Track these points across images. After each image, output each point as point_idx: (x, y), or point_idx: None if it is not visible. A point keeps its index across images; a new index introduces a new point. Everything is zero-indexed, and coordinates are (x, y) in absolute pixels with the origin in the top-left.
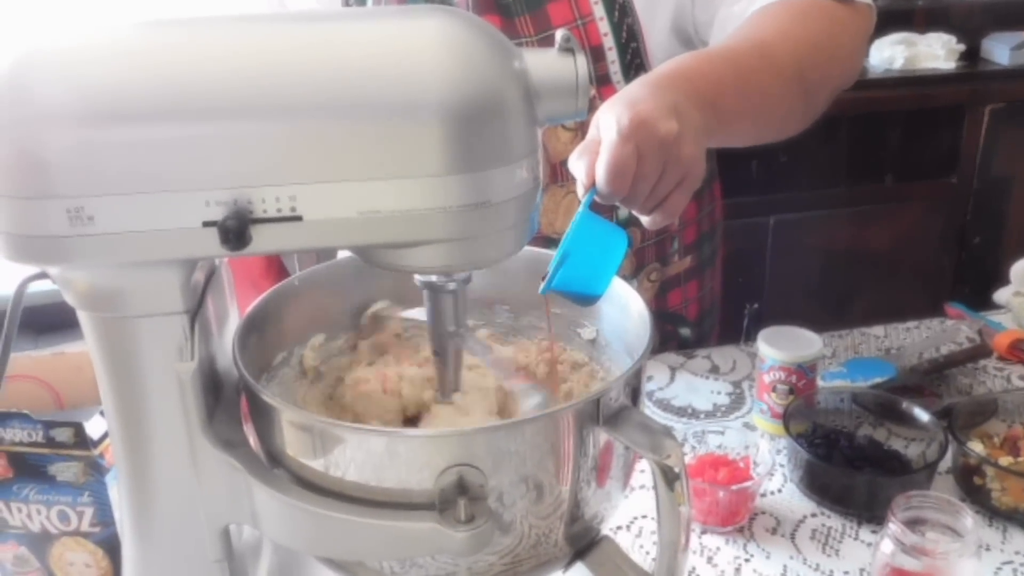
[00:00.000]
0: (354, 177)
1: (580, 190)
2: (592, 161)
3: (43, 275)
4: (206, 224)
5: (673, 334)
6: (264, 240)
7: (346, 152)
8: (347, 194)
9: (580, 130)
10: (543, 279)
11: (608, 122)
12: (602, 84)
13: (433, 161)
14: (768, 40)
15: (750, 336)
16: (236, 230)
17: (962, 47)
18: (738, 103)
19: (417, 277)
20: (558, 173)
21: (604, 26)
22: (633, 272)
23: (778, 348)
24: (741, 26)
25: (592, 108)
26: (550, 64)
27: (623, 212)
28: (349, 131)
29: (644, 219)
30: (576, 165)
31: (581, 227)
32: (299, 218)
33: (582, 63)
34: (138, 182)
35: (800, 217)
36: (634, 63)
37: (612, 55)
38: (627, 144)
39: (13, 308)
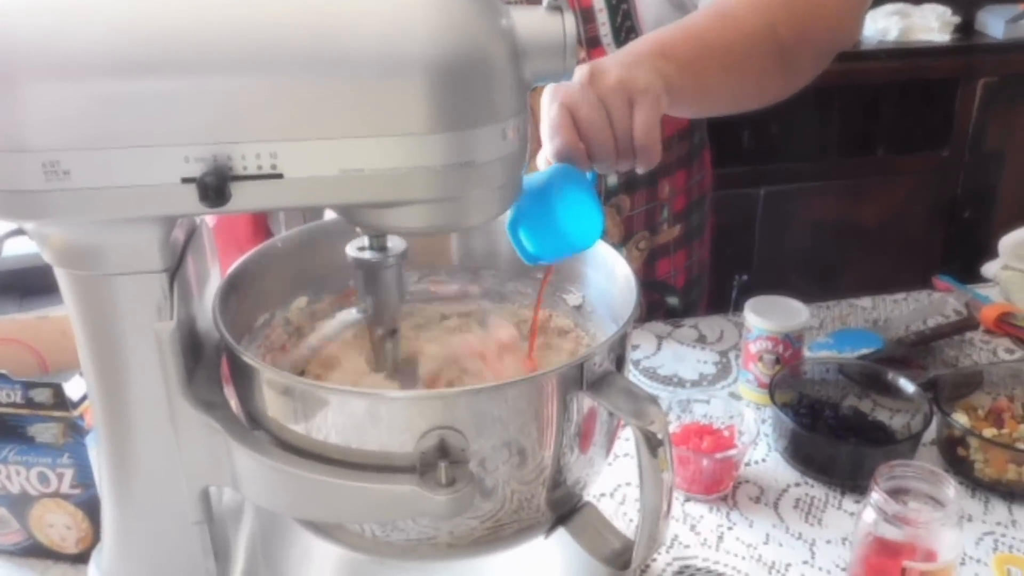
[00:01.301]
0: (336, 134)
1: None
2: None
3: (20, 232)
4: (185, 180)
5: (660, 303)
6: (244, 198)
7: (328, 109)
8: (329, 152)
9: None
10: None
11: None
12: (592, 46)
13: (417, 119)
14: (730, 3)
15: (738, 306)
16: (215, 187)
17: (957, 19)
18: (695, 53)
19: (351, 255)
20: None
21: None
22: (622, 240)
23: (765, 318)
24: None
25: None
26: (537, 22)
27: (611, 180)
28: (331, 87)
29: (636, 168)
30: (538, 160)
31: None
32: (280, 176)
33: (570, 21)
34: (115, 136)
35: (790, 189)
36: (625, 25)
37: (603, 16)
38: (552, 105)
39: None
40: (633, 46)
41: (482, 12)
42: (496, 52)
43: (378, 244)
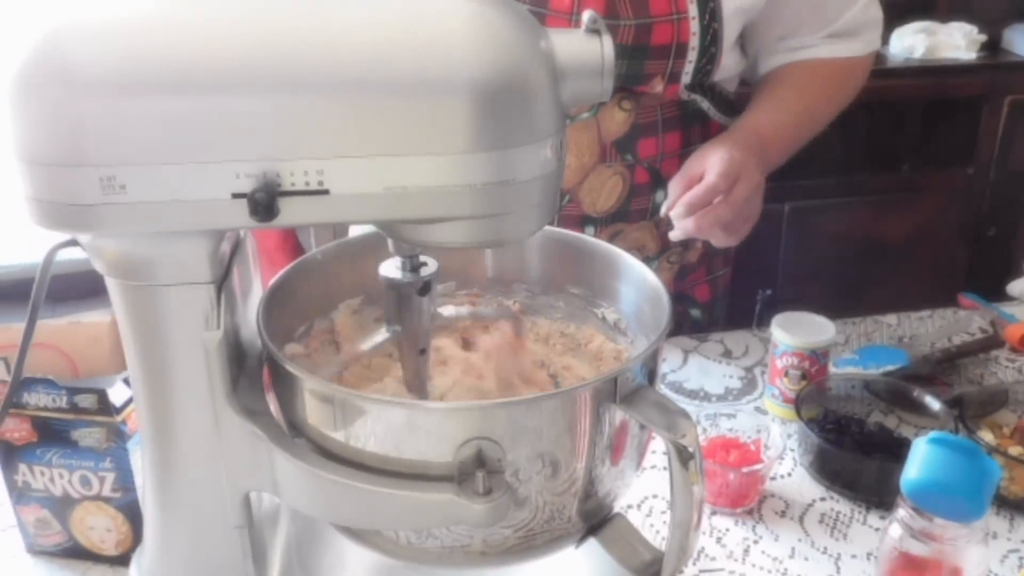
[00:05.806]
0: (381, 152)
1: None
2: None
3: (73, 242)
4: (235, 196)
5: (685, 315)
6: (291, 213)
7: (374, 127)
8: (374, 169)
9: (635, 111)
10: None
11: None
12: (672, 82)
13: (460, 138)
14: (813, 108)
15: (762, 321)
16: (265, 203)
17: (983, 37)
18: (781, 159)
19: (385, 276)
20: (607, 153)
21: (694, 26)
22: (656, 255)
23: (791, 333)
24: (793, 84)
25: (647, 104)
26: (576, 45)
27: (658, 199)
28: (377, 107)
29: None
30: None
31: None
32: (326, 192)
33: (608, 44)
34: (170, 152)
35: (815, 204)
36: (706, 68)
37: (692, 55)
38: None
39: (42, 272)
40: (768, 147)
41: (523, 35)
42: (536, 74)
43: (411, 265)
